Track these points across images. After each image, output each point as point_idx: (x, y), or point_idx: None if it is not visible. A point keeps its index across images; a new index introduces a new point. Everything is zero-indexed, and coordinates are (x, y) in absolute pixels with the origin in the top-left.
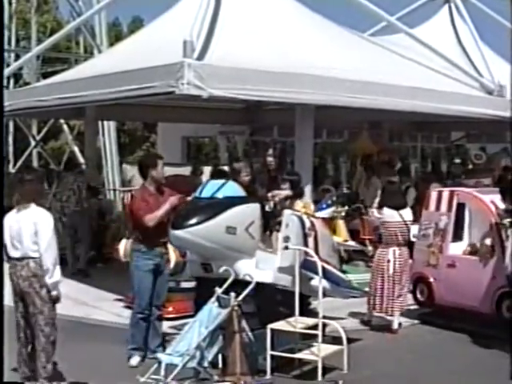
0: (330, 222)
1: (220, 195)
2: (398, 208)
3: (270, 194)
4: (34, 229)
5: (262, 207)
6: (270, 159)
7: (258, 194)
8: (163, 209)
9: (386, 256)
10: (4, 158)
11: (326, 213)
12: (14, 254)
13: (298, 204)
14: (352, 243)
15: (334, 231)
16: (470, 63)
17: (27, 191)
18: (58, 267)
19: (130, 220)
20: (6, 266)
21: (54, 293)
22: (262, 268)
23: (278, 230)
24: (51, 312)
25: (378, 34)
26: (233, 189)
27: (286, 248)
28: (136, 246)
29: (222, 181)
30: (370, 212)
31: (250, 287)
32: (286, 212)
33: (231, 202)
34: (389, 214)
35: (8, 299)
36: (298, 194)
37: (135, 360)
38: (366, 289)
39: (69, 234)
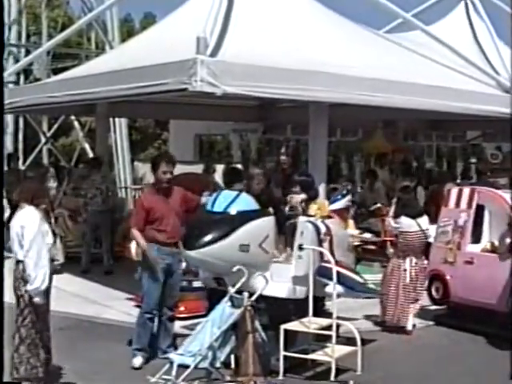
0: (345, 213)
1: (233, 209)
2: (415, 216)
3: (288, 198)
4: (21, 232)
5: (275, 213)
6: (283, 158)
7: (273, 198)
8: (141, 242)
9: (403, 265)
10: (4, 158)
11: (341, 203)
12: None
13: (313, 207)
14: (368, 235)
15: None
16: (486, 61)
17: (24, 190)
18: (41, 273)
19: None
20: (7, 266)
21: (35, 299)
22: (276, 280)
23: (292, 235)
24: (31, 316)
25: (393, 31)
26: (246, 202)
27: (301, 248)
28: (146, 244)
29: (234, 192)
30: (387, 222)
31: (260, 290)
32: (301, 219)
33: (244, 217)
34: (407, 224)
35: (9, 296)
36: (312, 196)
37: (138, 361)
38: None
39: (90, 232)
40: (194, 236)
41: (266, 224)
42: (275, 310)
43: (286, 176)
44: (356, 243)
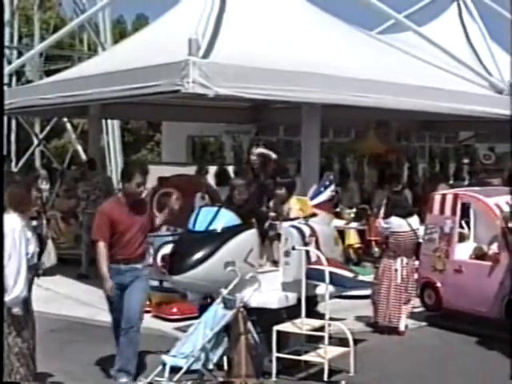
0: (330, 204)
1: (215, 227)
2: (405, 216)
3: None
4: None
5: (258, 221)
6: (253, 158)
7: (255, 208)
8: (103, 269)
9: (394, 265)
10: (4, 158)
11: (325, 195)
12: None
13: (294, 206)
14: (354, 224)
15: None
16: (479, 62)
17: (10, 196)
18: (20, 282)
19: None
20: None
21: (14, 310)
22: (266, 290)
23: (278, 239)
24: (15, 325)
25: (386, 32)
26: (227, 218)
27: (292, 249)
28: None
29: (214, 209)
30: (377, 222)
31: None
32: (284, 225)
33: (226, 235)
34: (397, 224)
35: None
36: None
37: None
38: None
39: (86, 235)
40: (178, 260)
41: (249, 238)
42: (267, 320)
43: (255, 176)
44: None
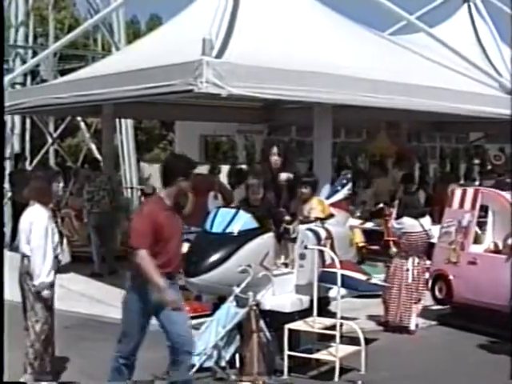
0: (346, 203)
1: (232, 229)
2: (417, 217)
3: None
4: (29, 228)
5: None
6: (275, 158)
7: (271, 208)
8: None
9: (405, 265)
10: (4, 158)
11: (341, 194)
12: (20, 249)
13: (315, 201)
14: (370, 224)
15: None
16: (489, 63)
17: (33, 189)
18: (46, 267)
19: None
20: (7, 265)
21: (44, 293)
22: (280, 293)
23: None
24: (42, 311)
25: (397, 34)
26: (244, 220)
27: (306, 247)
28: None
29: (232, 210)
30: (390, 223)
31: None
32: (301, 228)
33: (243, 238)
34: (410, 224)
35: (10, 294)
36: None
37: None
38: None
39: (97, 234)
40: (194, 262)
41: (265, 241)
42: (280, 322)
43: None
44: (361, 244)
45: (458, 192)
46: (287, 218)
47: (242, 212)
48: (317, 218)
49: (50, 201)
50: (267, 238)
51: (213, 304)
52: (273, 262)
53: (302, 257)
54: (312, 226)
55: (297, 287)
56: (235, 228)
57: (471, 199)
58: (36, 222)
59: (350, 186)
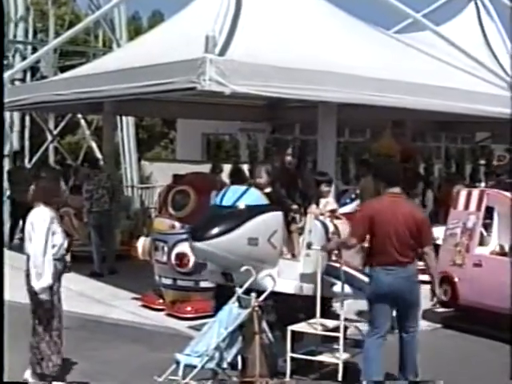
0: (353, 217)
1: (241, 204)
2: None
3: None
4: (31, 228)
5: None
6: (289, 158)
7: (280, 196)
8: None
9: None
10: (4, 157)
11: (350, 207)
12: (25, 249)
13: (322, 202)
14: None
15: None
16: (496, 62)
17: (38, 190)
18: (48, 271)
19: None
20: (7, 263)
21: (41, 296)
22: (284, 277)
23: (300, 233)
24: (44, 311)
25: (403, 32)
26: (255, 196)
27: (309, 247)
28: None
29: (243, 187)
30: None
31: (269, 290)
32: (309, 217)
33: (253, 211)
34: None
35: (10, 295)
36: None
37: None
38: None
39: (97, 233)
40: (201, 228)
41: (274, 219)
42: (283, 307)
43: (289, 176)
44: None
45: (464, 193)
46: (294, 206)
47: (252, 189)
48: (331, 211)
49: (60, 201)
50: (276, 216)
51: (215, 305)
52: (280, 242)
53: (309, 246)
54: (322, 218)
55: (301, 276)
56: (245, 202)
57: (477, 200)
58: (36, 223)
59: (358, 201)
